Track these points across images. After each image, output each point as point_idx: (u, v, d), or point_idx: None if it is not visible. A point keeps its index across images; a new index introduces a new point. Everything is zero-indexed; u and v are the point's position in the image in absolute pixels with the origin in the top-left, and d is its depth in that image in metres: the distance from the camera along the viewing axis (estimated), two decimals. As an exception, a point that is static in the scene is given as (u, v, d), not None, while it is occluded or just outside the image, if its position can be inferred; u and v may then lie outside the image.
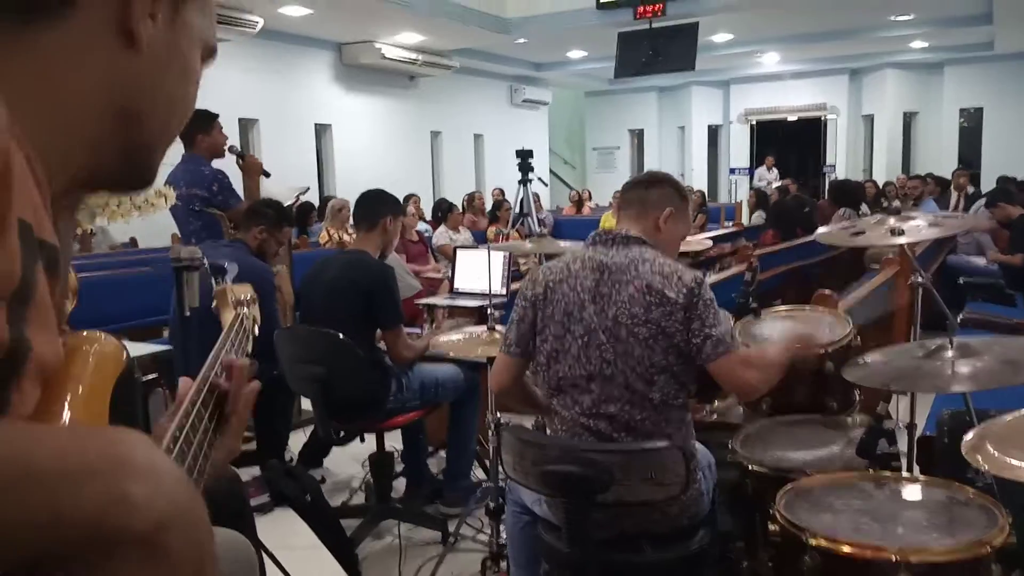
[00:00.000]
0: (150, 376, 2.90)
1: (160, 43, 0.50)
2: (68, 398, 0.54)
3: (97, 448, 0.41)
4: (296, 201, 5.05)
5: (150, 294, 4.64)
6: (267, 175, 3.93)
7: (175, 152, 3.70)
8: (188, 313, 2.42)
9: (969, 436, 1.52)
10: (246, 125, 9.41)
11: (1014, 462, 1.40)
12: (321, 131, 10.67)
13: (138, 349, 3.19)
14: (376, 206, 3.11)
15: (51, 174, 0.48)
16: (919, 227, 2.08)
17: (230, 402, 0.82)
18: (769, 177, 13.88)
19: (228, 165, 3.88)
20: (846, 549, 1.50)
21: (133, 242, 7.61)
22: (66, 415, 0.53)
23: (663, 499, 1.79)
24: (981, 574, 1.46)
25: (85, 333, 0.62)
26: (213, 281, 1.29)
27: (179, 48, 0.52)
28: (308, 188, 5.69)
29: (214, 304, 1.11)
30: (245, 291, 1.13)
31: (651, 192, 2.04)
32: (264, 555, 2.10)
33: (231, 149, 3.88)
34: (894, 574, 1.43)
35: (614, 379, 1.85)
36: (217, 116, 3.79)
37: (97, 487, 0.39)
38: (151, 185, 0.54)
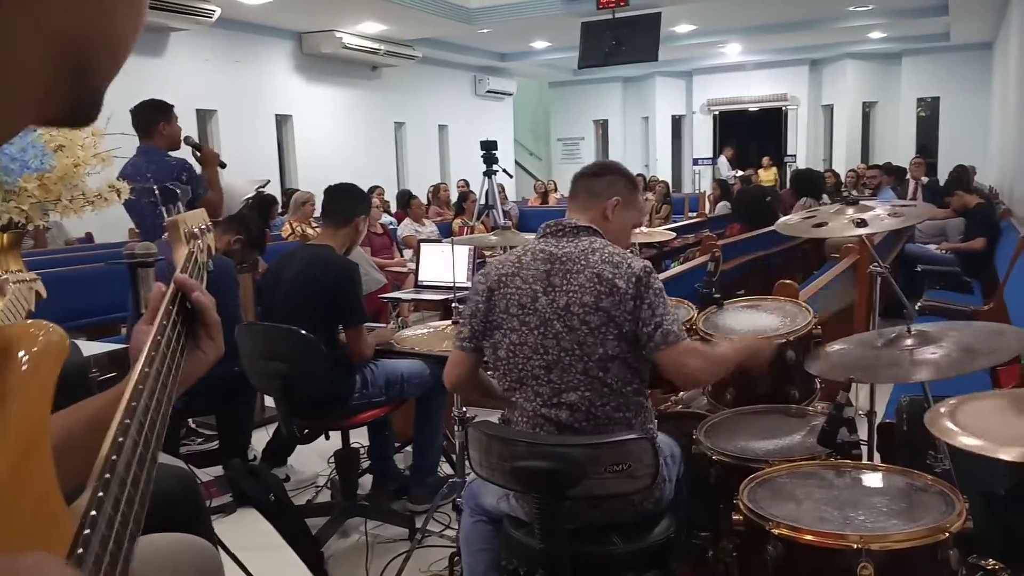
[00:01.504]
0: (108, 375, 2.83)
1: None
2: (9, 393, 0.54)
3: None
4: (256, 194, 4.97)
5: (107, 291, 4.53)
6: (223, 166, 3.87)
7: (129, 146, 3.61)
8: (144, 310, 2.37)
9: (937, 408, 1.55)
10: (204, 116, 9.23)
11: (968, 440, 1.44)
12: (282, 122, 10.51)
13: (95, 348, 3.11)
14: (351, 203, 3.07)
15: None
16: (880, 217, 2.10)
17: (202, 318, 0.90)
18: (727, 173, 13.73)
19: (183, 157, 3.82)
20: (808, 538, 1.51)
21: (89, 237, 7.42)
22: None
23: (632, 491, 1.79)
24: (939, 559, 1.48)
25: (30, 322, 0.60)
26: (164, 211, 1.21)
27: None
28: (269, 181, 5.60)
29: (165, 236, 1.01)
30: (198, 220, 1.03)
31: (598, 182, 2.04)
32: (226, 556, 2.07)
33: (187, 140, 3.81)
34: (856, 561, 1.44)
35: (572, 367, 1.85)
36: (173, 107, 3.74)
37: None
38: (94, 122, 0.48)
